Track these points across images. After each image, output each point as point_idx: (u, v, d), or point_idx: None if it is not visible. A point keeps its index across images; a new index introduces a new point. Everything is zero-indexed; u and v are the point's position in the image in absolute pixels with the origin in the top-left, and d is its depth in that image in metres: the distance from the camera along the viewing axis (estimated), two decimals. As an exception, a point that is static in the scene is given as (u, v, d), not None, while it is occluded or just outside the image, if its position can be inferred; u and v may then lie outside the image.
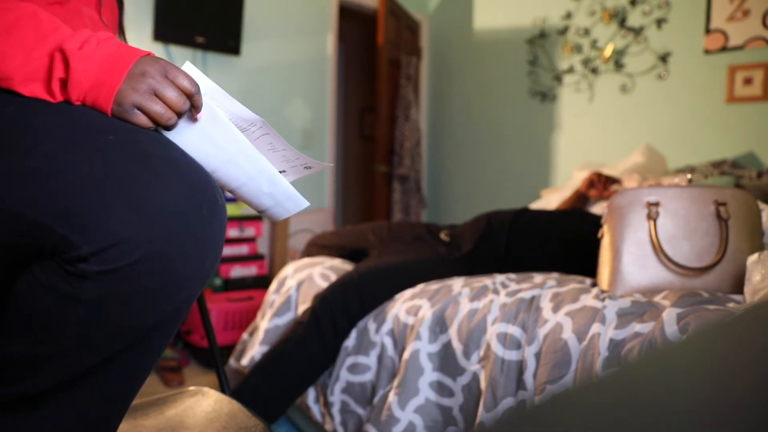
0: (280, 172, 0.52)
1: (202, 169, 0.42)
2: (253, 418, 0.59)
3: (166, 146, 0.41)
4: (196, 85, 0.43)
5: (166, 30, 1.90)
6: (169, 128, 0.43)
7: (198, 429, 0.58)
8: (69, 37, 0.41)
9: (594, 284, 0.97)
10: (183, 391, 0.67)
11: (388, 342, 0.99)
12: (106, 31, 0.48)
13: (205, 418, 0.60)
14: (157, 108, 0.41)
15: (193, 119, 0.44)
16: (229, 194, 2.20)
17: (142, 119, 0.42)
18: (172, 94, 0.42)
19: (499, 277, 1.04)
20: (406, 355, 0.94)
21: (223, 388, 0.70)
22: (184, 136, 0.44)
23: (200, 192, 0.40)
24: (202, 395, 0.66)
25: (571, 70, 2.38)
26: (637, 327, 0.75)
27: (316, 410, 1.07)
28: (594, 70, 2.30)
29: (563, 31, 2.39)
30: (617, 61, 2.23)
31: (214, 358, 0.72)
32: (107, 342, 0.40)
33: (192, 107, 0.44)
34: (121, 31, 0.63)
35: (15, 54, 0.40)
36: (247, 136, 0.49)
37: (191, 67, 0.45)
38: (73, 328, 0.39)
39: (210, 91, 0.46)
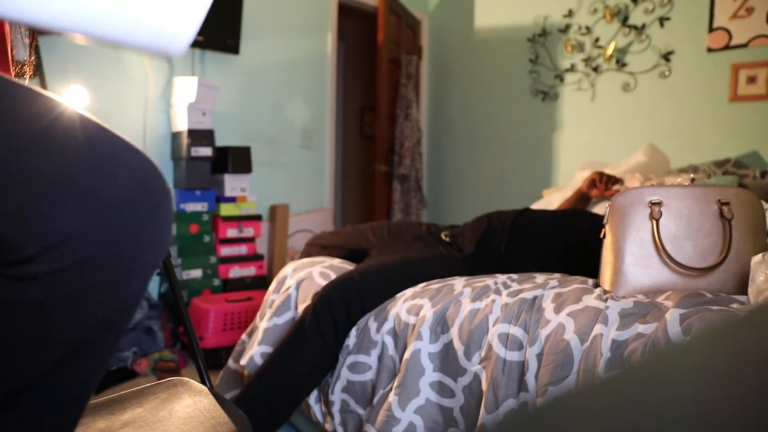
0: None
1: (146, 155, 0.40)
2: (232, 412, 0.58)
3: (106, 132, 0.39)
4: None
5: (166, 29, 1.90)
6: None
7: (176, 422, 0.57)
8: None
9: (596, 285, 0.97)
10: (162, 382, 0.66)
11: (389, 341, 0.99)
12: None
13: (182, 412, 0.59)
14: None
15: None
16: (229, 193, 2.15)
17: None
18: None
19: (501, 277, 1.04)
20: (406, 354, 0.93)
21: (203, 379, 0.69)
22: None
23: (148, 176, 0.39)
24: (181, 386, 0.65)
25: (572, 68, 2.37)
26: (640, 328, 0.74)
27: (317, 409, 1.06)
28: (596, 69, 2.30)
29: (565, 29, 2.38)
30: (619, 60, 2.22)
31: (192, 350, 0.71)
32: (62, 343, 0.38)
33: None
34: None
35: None
36: None
37: None
38: (23, 334, 0.36)
39: None
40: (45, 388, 0.40)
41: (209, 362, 1.60)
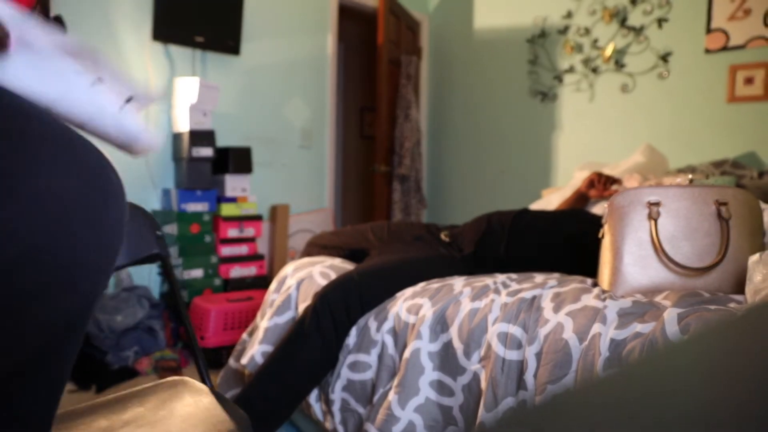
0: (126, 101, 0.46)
1: (92, 146, 0.37)
2: (233, 411, 0.59)
3: (45, 123, 0.36)
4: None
5: (165, 29, 1.90)
6: None
7: (177, 421, 0.57)
8: None
9: (595, 284, 0.97)
10: (162, 382, 0.67)
11: (389, 340, 0.99)
12: None
13: (183, 411, 0.60)
14: None
15: (6, 51, 0.39)
16: (230, 193, 2.16)
17: None
18: None
19: (501, 277, 1.04)
20: (406, 353, 0.94)
21: (203, 378, 0.69)
22: (5, 71, 0.39)
23: (88, 171, 0.35)
24: (183, 385, 0.65)
25: (571, 69, 2.37)
26: (638, 327, 0.75)
27: (317, 408, 1.07)
28: (595, 70, 2.30)
29: (564, 30, 2.38)
30: (618, 61, 2.23)
31: (192, 349, 0.71)
32: (11, 348, 0.35)
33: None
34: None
35: None
36: (79, 73, 0.44)
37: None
38: None
39: (17, 20, 0.40)
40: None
41: (210, 362, 1.61)
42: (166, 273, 0.73)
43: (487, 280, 1.01)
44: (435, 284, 1.04)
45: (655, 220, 0.91)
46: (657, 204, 0.91)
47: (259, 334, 1.17)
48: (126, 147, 0.46)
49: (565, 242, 1.17)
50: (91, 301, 0.38)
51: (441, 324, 0.94)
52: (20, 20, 0.41)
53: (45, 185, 0.33)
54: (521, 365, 0.82)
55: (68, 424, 0.57)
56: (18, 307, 0.34)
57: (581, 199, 1.51)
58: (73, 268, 0.35)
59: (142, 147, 0.46)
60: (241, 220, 1.99)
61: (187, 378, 0.67)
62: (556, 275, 1.06)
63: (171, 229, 1.86)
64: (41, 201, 0.33)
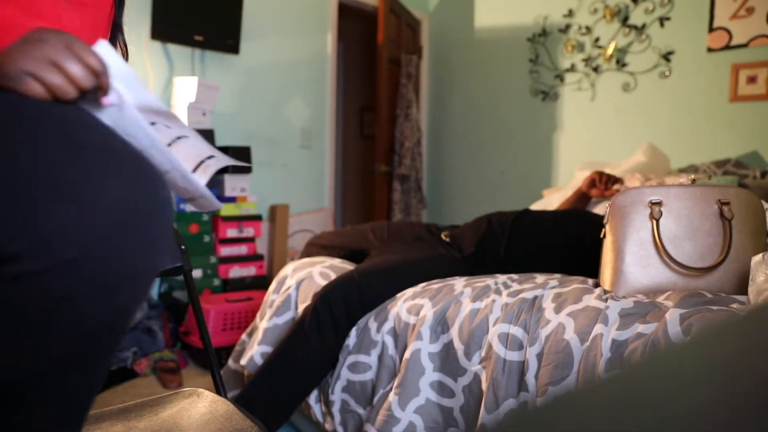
0: (198, 165, 0.51)
1: (145, 159, 0.39)
2: (248, 420, 0.58)
3: (104, 136, 0.38)
4: (104, 67, 0.40)
5: (164, 29, 1.90)
6: (67, 102, 0.39)
7: (193, 431, 0.57)
8: None
9: (596, 284, 0.97)
10: (178, 392, 0.67)
11: (389, 341, 0.99)
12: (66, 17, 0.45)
13: (200, 420, 0.59)
14: (56, 79, 0.38)
15: (98, 103, 0.41)
16: (229, 193, 2.17)
17: (35, 87, 0.38)
18: (74, 68, 0.38)
19: (501, 278, 1.04)
20: (406, 354, 0.93)
21: (218, 389, 0.69)
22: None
23: (141, 184, 0.37)
24: (197, 397, 0.65)
25: (572, 68, 2.37)
26: (640, 328, 0.74)
27: (317, 409, 1.07)
28: (596, 69, 2.29)
29: (565, 29, 2.38)
30: (619, 60, 2.22)
31: (209, 360, 0.71)
32: (41, 353, 0.36)
33: (99, 89, 0.40)
34: (119, 29, 0.61)
35: None
36: (158, 129, 0.47)
37: (106, 46, 0.42)
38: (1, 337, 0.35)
39: (123, 77, 0.43)
40: (33, 394, 0.37)
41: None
42: (188, 286, 0.73)
43: (488, 281, 1.00)
44: (435, 285, 1.04)
45: (657, 220, 0.90)
46: (659, 204, 0.91)
47: (259, 334, 1.17)
48: (189, 200, 0.50)
49: (566, 242, 1.17)
50: (130, 310, 0.40)
51: (441, 324, 0.93)
52: (124, 76, 0.43)
53: (98, 194, 0.35)
54: (522, 366, 0.82)
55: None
56: (61, 306, 0.35)
57: (582, 198, 1.50)
58: (119, 276, 0.37)
59: (204, 204, 0.49)
60: (240, 220, 1.99)
61: (201, 390, 0.67)
62: (557, 275, 1.05)
63: (171, 228, 1.86)
64: (94, 209, 0.35)
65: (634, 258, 0.91)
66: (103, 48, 0.42)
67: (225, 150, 1.97)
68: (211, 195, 0.48)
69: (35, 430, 0.39)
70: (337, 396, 1.02)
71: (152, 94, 0.46)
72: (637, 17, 2.17)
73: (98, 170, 0.36)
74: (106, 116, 0.42)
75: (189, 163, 0.50)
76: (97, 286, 0.36)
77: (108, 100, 0.42)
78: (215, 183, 1.99)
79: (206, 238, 1.90)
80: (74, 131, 0.37)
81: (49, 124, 0.37)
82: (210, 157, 0.51)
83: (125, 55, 0.58)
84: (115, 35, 0.60)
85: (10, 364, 0.36)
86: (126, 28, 0.64)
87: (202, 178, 0.51)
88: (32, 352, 0.36)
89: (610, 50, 2.23)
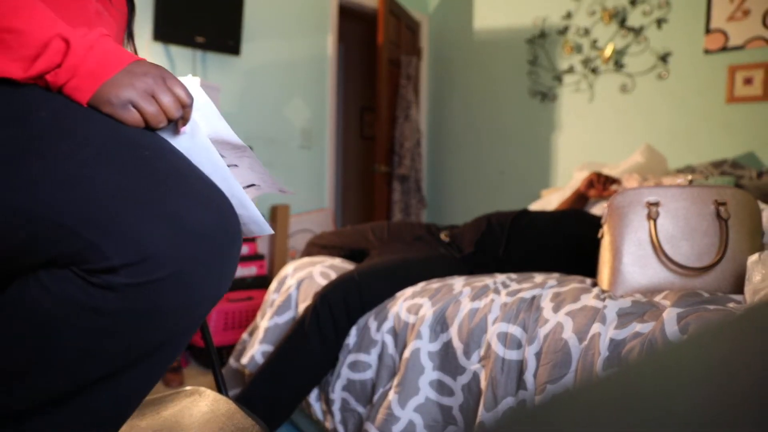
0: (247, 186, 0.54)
1: (223, 193, 0.43)
2: (250, 418, 0.59)
3: (194, 168, 0.42)
4: (191, 98, 0.44)
5: (165, 30, 1.90)
6: (155, 130, 0.44)
7: (195, 429, 0.58)
8: (72, 30, 0.40)
9: (594, 284, 0.97)
10: (180, 391, 0.67)
11: (389, 340, 1.00)
12: (105, 29, 0.48)
13: (201, 419, 0.60)
14: (152, 109, 0.42)
15: (176, 130, 0.45)
16: None
17: (134, 116, 0.42)
18: (168, 99, 0.42)
19: (500, 277, 1.04)
20: (406, 353, 0.94)
21: (219, 388, 0.70)
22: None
23: (227, 215, 0.41)
24: (198, 395, 0.66)
25: (571, 70, 2.38)
26: (638, 327, 0.75)
27: (317, 408, 1.07)
28: (594, 70, 2.30)
29: (563, 30, 2.39)
30: (617, 61, 2.23)
31: (211, 358, 0.72)
32: (120, 355, 0.40)
33: (181, 118, 0.44)
34: (130, 34, 0.62)
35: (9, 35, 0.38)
36: (226, 159, 0.50)
37: (192, 79, 0.46)
38: (80, 340, 0.38)
39: (203, 107, 0.47)
40: (95, 395, 0.41)
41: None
42: None
43: (487, 280, 1.01)
44: (435, 284, 1.04)
45: (655, 220, 0.91)
46: (656, 204, 0.92)
47: (260, 333, 1.17)
48: (245, 225, 0.51)
49: (565, 242, 1.18)
50: (196, 326, 0.44)
51: (441, 324, 0.94)
52: (204, 108, 0.47)
53: (193, 220, 0.39)
54: (521, 365, 0.82)
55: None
56: (146, 317, 0.39)
57: (581, 199, 1.51)
58: (198, 298, 0.40)
59: (254, 230, 0.50)
60: (240, 220, 1.99)
61: (203, 388, 0.68)
62: (556, 275, 1.06)
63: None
64: (188, 233, 0.38)
65: (631, 258, 0.91)
66: (189, 80, 0.46)
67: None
68: (263, 221, 0.50)
69: (93, 421, 0.42)
70: (337, 395, 1.02)
71: (227, 125, 0.49)
72: (634, 19, 2.18)
73: (196, 198, 0.40)
74: (178, 142, 0.45)
75: (244, 187, 0.53)
76: (176, 306, 0.39)
77: (185, 128, 0.45)
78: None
79: (206, 239, 1.90)
80: (173, 160, 0.41)
81: (152, 151, 0.40)
82: (252, 185, 0.54)
83: None
84: (129, 41, 0.62)
85: (88, 363, 0.39)
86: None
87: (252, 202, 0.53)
88: (109, 354, 0.39)
89: (608, 52, 2.24)
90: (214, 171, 0.45)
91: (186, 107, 0.44)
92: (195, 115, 0.46)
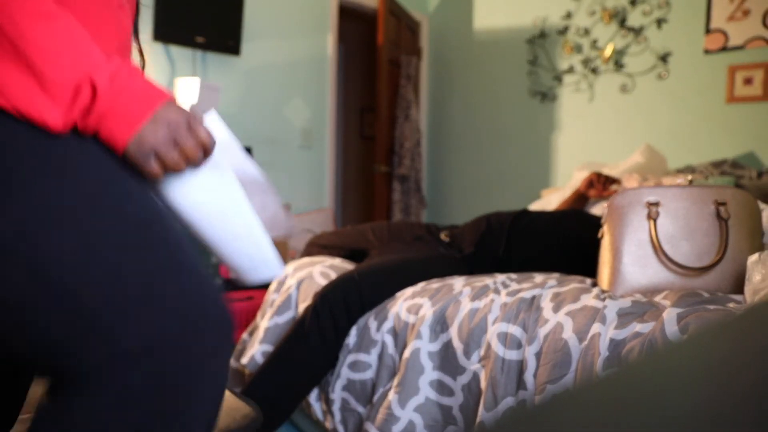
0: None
1: (221, 294, 0.43)
2: (241, 401, 0.59)
3: (186, 247, 0.42)
4: (214, 140, 0.44)
5: (165, 30, 1.90)
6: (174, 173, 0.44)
7: None
8: (99, 65, 0.39)
9: (594, 284, 0.97)
10: None
11: (389, 340, 1.00)
12: (130, 53, 0.47)
13: None
14: (174, 156, 0.42)
15: (196, 168, 0.45)
16: None
17: (154, 168, 0.41)
18: (190, 145, 0.42)
19: (500, 277, 1.04)
20: (406, 353, 0.94)
21: None
22: (183, 182, 0.45)
23: (216, 300, 0.41)
24: None
25: (571, 70, 2.38)
26: (638, 327, 0.75)
27: (317, 408, 1.07)
28: (594, 70, 2.30)
29: (563, 31, 2.39)
30: (617, 61, 2.23)
31: None
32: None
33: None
34: (135, 32, 0.62)
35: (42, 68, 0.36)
36: (245, 192, 0.50)
37: (215, 117, 0.46)
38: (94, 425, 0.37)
39: (224, 143, 0.46)
40: None
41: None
42: None
43: (487, 280, 1.01)
44: (435, 284, 1.04)
45: (655, 220, 0.91)
46: (656, 204, 0.92)
47: (260, 333, 1.17)
48: (256, 268, 0.50)
49: (565, 242, 1.18)
50: (222, 375, 0.44)
51: (441, 324, 0.94)
52: (227, 143, 0.46)
53: (190, 306, 0.39)
54: (521, 365, 0.82)
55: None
56: (133, 421, 0.38)
57: (580, 199, 1.51)
58: (181, 405, 0.39)
59: (264, 273, 0.50)
60: (240, 220, 1.99)
61: None
62: (556, 275, 1.06)
63: (171, 229, 1.86)
64: (186, 319, 0.39)
65: (631, 258, 0.91)
66: (211, 118, 0.45)
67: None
68: (276, 263, 0.49)
69: None
70: (337, 394, 1.02)
71: (250, 161, 0.48)
72: (634, 19, 2.18)
73: (189, 284, 0.39)
74: (199, 179, 0.45)
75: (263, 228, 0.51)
76: (160, 410, 0.38)
77: (205, 165, 0.45)
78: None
79: (206, 239, 1.90)
80: (168, 243, 0.40)
81: (141, 242, 0.39)
82: (283, 221, 0.54)
83: (142, 60, 0.59)
84: (135, 39, 0.62)
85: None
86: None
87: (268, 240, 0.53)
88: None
89: (608, 52, 2.24)
90: (234, 210, 0.45)
91: (207, 149, 0.43)
92: (216, 151, 0.45)
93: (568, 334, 0.79)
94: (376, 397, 0.97)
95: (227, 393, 0.61)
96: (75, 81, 0.38)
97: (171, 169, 0.42)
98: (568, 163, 2.39)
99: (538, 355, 0.81)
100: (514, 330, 0.85)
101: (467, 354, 0.89)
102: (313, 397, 1.08)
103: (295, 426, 1.24)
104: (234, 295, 1.77)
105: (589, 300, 0.85)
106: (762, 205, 1.03)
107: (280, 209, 0.52)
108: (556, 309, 0.84)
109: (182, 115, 0.42)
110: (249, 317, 1.69)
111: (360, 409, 1.01)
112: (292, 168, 2.39)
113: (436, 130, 2.97)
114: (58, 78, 0.37)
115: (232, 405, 0.58)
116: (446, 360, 0.91)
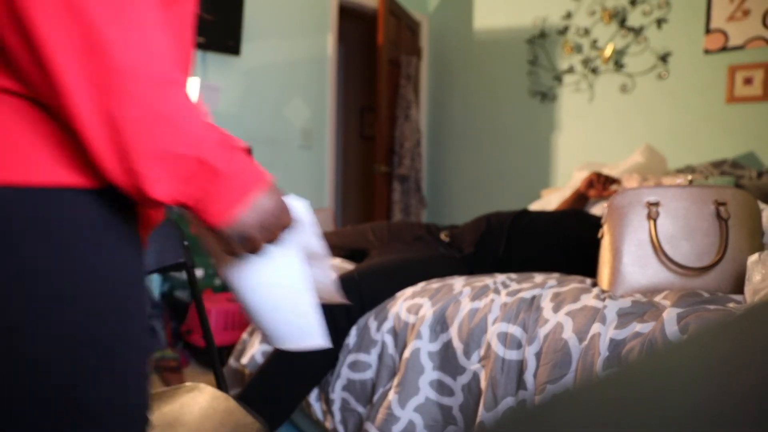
0: None
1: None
2: (249, 416, 0.59)
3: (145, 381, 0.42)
4: (294, 224, 0.45)
5: (166, 30, 1.89)
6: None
7: (194, 425, 0.58)
8: (213, 146, 0.37)
9: (594, 284, 0.97)
10: (179, 387, 0.67)
11: (389, 340, 1.00)
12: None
13: (201, 415, 0.60)
14: (260, 240, 0.42)
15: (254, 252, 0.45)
16: None
17: (241, 250, 0.42)
18: (276, 232, 0.43)
19: (500, 277, 1.04)
20: (406, 353, 0.94)
21: (220, 386, 0.70)
22: (252, 260, 0.45)
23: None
24: (198, 391, 0.66)
25: (571, 70, 2.38)
26: (638, 327, 0.75)
27: (317, 408, 1.07)
28: (594, 70, 2.30)
29: (563, 30, 2.39)
30: (617, 61, 2.23)
31: (212, 358, 0.72)
32: None
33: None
34: None
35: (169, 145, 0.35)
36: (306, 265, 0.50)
37: (302, 203, 0.46)
38: None
39: (301, 224, 0.47)
40: None
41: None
42: (191, 282, 0.74)
43: (487, 280, 1.01)
44: (435, 284, 1.04)
45: (655, 220, 0.91)
46: (656, 204, 0.92)
47: (260, 334, 1.17)
48: (300, 337, 0.50)
49: (565, 242, 1.18)
50: None
51: (441, 324, 0.94)
52: (302, 226, 0.47)
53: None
54: (521, 365, 0.82)
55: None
56: None
57: (580, 199, 1.51)
58: None
59: (310, 344, 0.50)
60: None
61: (203, 384, 0.67)
62: (556, 275, 1.06)
63: (171, 229, 1.86)
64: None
65: (631, 258, 0.91)
66: (299, 205, 0.47)
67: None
68: (319, 333, 0.48)
69: None
70: (337, 394, 1.02)
71: (317, 236, 0.49)
72: (634, 19, 2.18)
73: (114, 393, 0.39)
74: (267, 257, 0.45)
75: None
76: None
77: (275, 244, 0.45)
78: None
79: (206, 239, 1.90)
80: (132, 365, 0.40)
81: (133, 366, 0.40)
82: (326, 290, 0.54)
83: None
84: None
85: None
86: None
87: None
88: None
89: (608, 52, 2.24)
90: (291, 286, 0.46)
91: (287, 231, 0.44)
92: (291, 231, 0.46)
93: (568, 334, 0.79)
94: (376, 397, 0.97)
95: (236, 406, 0.61)
96: (195, 157, 0.36)
97: (252, 252, 0.43)
98: (568, 163, 2.39)
99: (538, 355, 0.81)
100: (514, 330, 0.85)
101: (467, 354, 0.89)
102: (313, 397, 1.08)
103: (295, 426, 1.24)
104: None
105: (589, 300, 0.85)
106: (762, 205, 1.03)
107: (331, 278, 0.53)
108: (556, 309, 0.84)
109: (276, 204, 0.42)
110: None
111: (360, 409, 1.01)
112: (292, 168, 2.39)
113: (436, 130, 2.97)
114: (186, 152, 0.36)
115: (240, 421, 0.58)
116: (446, 360, 0.91)
